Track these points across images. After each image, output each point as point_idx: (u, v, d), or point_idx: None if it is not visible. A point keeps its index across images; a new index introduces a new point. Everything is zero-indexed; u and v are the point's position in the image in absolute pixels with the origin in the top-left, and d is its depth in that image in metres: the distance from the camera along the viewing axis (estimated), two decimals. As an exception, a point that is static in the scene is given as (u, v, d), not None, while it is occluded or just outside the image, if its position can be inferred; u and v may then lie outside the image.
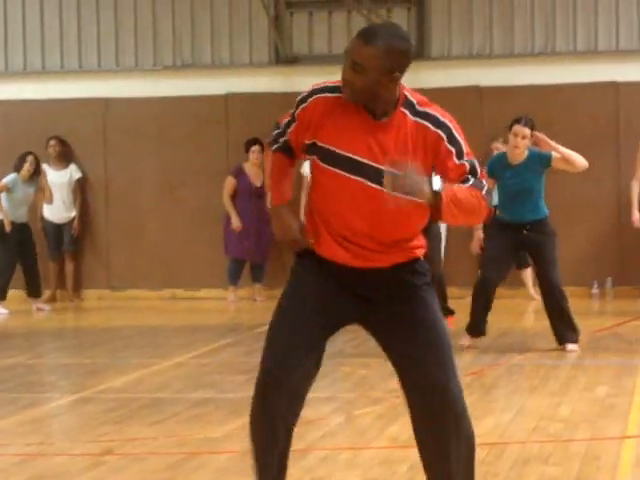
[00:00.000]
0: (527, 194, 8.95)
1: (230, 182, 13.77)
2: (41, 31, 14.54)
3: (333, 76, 15.84)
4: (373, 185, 3.83)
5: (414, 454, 5.57)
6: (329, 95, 3.94)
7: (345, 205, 3.89)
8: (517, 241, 9.02)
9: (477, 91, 13.70)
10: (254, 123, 14.07)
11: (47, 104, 14.37)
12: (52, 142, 14.26)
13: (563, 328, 8.95)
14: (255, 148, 13.70)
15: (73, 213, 14.40)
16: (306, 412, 6.71)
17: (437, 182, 3.80)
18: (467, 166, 3.86)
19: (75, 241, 14.41)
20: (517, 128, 8.92)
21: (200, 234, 14.03)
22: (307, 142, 3.94)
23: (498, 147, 13.39)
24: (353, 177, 3.86)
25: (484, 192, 3.86)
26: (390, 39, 3.79)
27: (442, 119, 3.87)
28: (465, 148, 3.89)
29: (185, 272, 14.18)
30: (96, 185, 14.55)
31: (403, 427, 6.22)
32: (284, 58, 14.16)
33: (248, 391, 7.42)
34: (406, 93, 3.90)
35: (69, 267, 14.42)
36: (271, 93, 14.03)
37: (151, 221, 14.48)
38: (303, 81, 14.28)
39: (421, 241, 4.04)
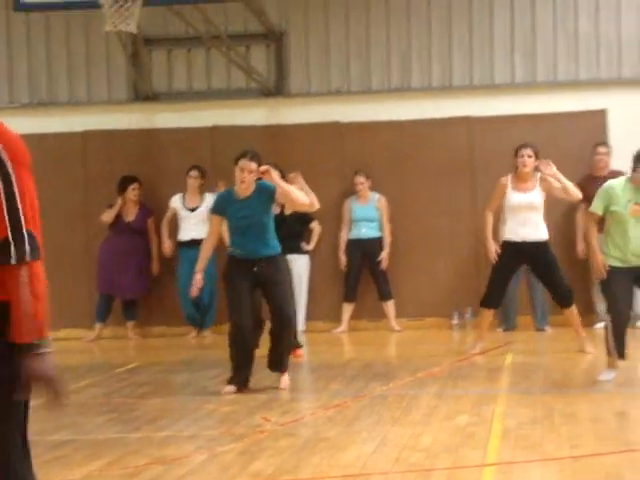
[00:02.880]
0: (258, 229, 8.76)
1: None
2: None
3: (192, 112, 15.64)
4: None
5: (278, 489, 5.58)
6: None
7: None
8: (252, 278, 8.79)
9: (337, 127, 13.85)
10: (112, 161, 13.95)
11: None
12: None
13: (278, 356, 8.94)
14: (135, 185, 13.69)
15: None
16: (169, 451, 6.66)
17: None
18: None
19: None
20: (243, 163, 8.71)
21: (59, 271, 13.78)
22: None
23: (361, 181, 13.54)
24: None
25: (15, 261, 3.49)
26: None
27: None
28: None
29: (44, 312, 13.87)
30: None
31: (266, 462, 6.21)
32: (143, 95, 14.08)
33: (108, 433, 7.38)
34: None
35: None
36: (130, 130, 13.97)
37: (8, 261, 14.14)
38: (163, 118, 14.36)
39: None
